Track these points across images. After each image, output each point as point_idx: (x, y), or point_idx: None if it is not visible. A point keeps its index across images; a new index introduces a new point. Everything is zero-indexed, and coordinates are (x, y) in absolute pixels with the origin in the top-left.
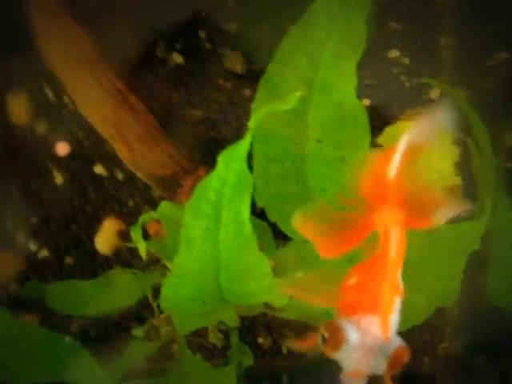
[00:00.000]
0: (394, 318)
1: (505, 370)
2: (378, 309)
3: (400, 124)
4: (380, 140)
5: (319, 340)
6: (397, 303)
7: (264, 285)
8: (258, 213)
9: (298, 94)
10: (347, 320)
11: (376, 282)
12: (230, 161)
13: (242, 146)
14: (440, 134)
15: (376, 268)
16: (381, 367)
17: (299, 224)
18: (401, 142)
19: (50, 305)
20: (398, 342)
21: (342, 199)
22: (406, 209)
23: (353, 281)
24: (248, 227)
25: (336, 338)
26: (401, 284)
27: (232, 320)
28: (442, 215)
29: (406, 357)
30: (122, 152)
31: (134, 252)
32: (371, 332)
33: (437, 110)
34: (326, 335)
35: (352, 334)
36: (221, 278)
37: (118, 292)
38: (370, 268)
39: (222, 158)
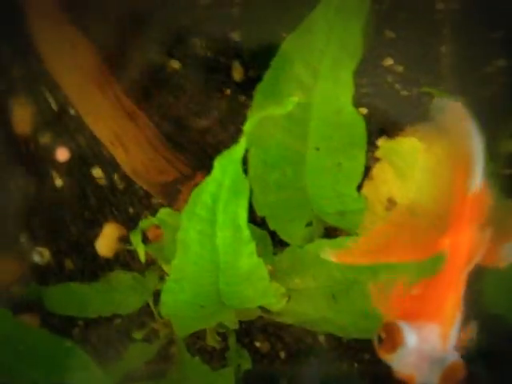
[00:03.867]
0: (454, 332)
1: (503, 378)
2: (440, 320)
3: (400, 140)
4: (378, 154)
5: (375, 340)
6: (458, 318)
7: (261, 288)
8: (258, 221)
9: (295, 98)
10: (408, 324)
11: (442, 294)
12: (226, 165)
13: (236, 150)
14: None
15: (444, 281)
16: (434, 378)
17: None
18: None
19: (49, 307)
20: (455, 356)
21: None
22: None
23: (418, 290)
24: (245, 231)
25: (394, 339)
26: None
27: (231, 322)
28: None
29: (461, 373)
30: (121, 158)
31: (133, 254)
32: (431, 340)
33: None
34: (383, 336)
35: (411, 338)
36: (219, 281)
37: (118, 296)
38: (439, 280)
39: (218, 162)
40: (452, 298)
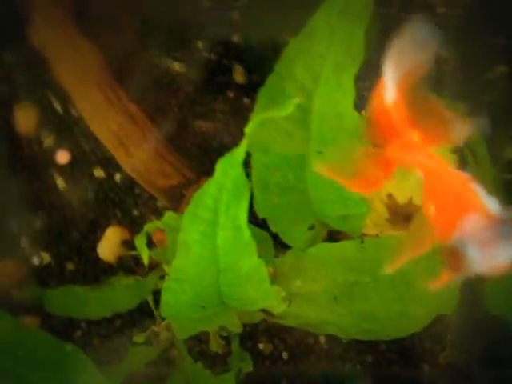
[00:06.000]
0: (488, 198)
1: (504, 379)
2: (466, 207)
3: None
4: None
5: (447, 270)
6: (476, 188)
7: (262, 290)
8: (260, 224)
9: (296, 100)
10: (454, 238)
11: (447, 192)
12: (227, 167)
13: (238, 153)
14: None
15: (436, 185)
16: None
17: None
18: (385, 66)
19: (50, 310)
20: (508, 214)
21: (362, 135)
22: (421, 131)
23: (431, 210)
24: (246, 232)
25: (457, 258)
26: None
27: (234, 326)
28: (457, 131)
29: None
30: (124, 161)
31: (137, 259)
32: (480, 227)
33: (413, 26)
34: (449, 263)
35: (467, 245)
36: (220, 282)
37: (117, 297)
38: (433, 189)
39: (220, 165)
40: (456, 181)
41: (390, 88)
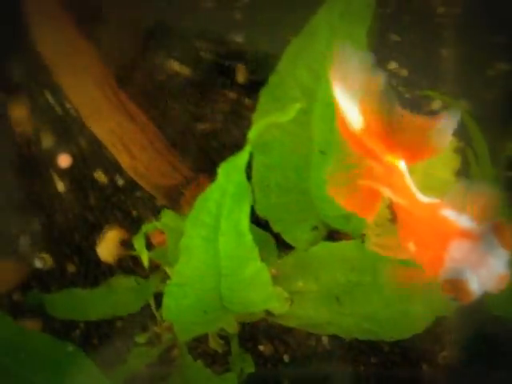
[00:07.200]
0: (463, 219)
1: (504, 379)
2: (445, 236)
3: None
4: None
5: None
6: (449, 212)
7: (264, 293)
8: (262, 223)
9: (298, 105)
10: (448, 269)
11: (421, 228)
12: (230, 172)
13: (241, 157)
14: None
15: (409, 223)
16: (504, 253)
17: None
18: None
19: (51, 312)
20: (487, 226)
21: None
22: (402, 144)
23: (412, 248)
24: (248, 236)
25: (458, 287)
26: (435, 199)
27: (231, 327)
28: (440, 133)
29: (505, 226)
30: (124, 161)
31: (136, 260)
32: (467, 250)
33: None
34: (454, 295)
35: (463, 272)
36: (221, 287)
37: (119, 300)
38: (407, 227)
39: (223, 169)
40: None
41: (351, 114)
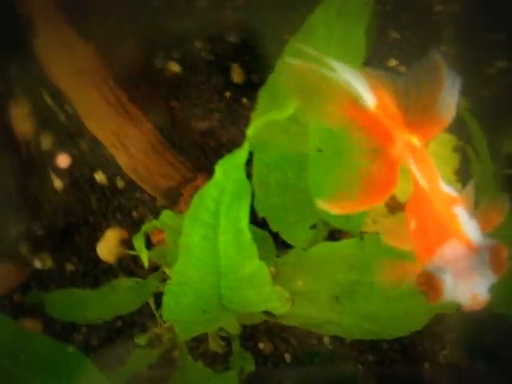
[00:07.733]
0: (470, 225)
1: (506, 377)
2: (447, 233)
3: None
4: None
5: (423, 295)
6: (461, 212)
7: (264, 292)
8: (260, 222)
9: (295, 103)
10: (433, 263)
11: (430, 214)
12: (228, 169)
13: (239, 155)
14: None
15: (421, 204)
16: (490, 276)
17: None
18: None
19: (51, 313)
20: (487, 242)
21: (355, 157)
22: (412, 126)
23: (412, 225)
24: (247, 235)
25: (433, 287)
26: (453, 192)
27: (233, 327)
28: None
29: (504, 251)
30: (123, 161)
31: (136, 260)
32: (458, 255)
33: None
34: (424, 288)
35: (444, 272)
36: (221, 285)
37: (119, 300)
38: (416, 202)
39: (220, 167)
40: (439, 201)
41: (363, 92)
